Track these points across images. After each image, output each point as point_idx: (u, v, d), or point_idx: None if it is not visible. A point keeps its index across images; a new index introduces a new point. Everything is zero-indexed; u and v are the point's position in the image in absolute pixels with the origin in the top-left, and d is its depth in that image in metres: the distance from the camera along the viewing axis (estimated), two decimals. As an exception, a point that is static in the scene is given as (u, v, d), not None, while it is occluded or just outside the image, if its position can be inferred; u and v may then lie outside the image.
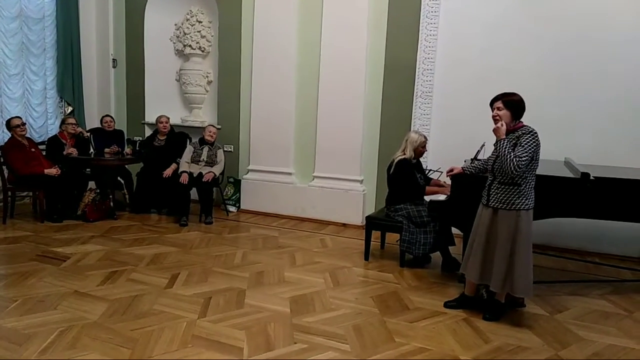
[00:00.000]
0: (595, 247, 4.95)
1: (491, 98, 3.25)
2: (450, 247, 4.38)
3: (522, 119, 3.20)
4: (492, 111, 3.22)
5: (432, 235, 4.24)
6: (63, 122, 5.87)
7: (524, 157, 3.03)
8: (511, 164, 3.02)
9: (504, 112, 3.15)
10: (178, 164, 5.79)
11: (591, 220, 3.80)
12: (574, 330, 3.22)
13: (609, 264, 4.58)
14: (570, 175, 3.74)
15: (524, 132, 3.11)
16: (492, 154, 3.32)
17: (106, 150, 5.89)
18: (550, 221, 3.85)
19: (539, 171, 3.52)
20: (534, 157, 3.09)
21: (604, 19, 4.76)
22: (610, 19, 4.74)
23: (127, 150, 6.01)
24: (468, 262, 3.37)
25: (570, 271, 4.47)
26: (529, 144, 3.06)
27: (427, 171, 4.68)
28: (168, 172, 5.71)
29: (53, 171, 5.32)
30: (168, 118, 6.13)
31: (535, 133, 3.10)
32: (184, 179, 5.50)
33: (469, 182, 3.61)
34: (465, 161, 3.95)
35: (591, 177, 3.53)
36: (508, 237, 3.14)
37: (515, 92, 3.21)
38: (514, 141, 3.11)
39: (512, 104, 3.15)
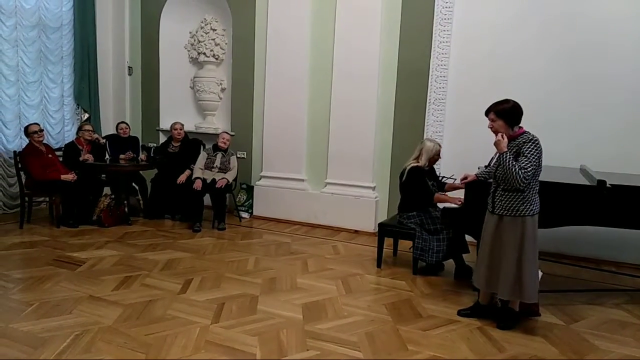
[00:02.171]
0: (611, 255, 4.88)
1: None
2: (464, 255, 4.35)
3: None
4: (489, 124, 3.20)
5: (445, 242, 4.22)
6: (80, 128, 5.96)
7: (530, 168, 3.01)
8: (517, 177, 2.99)
9: (499, 123, 3.14)
10: (192, 170, 5.83)
11: (607, 228, 3.75)
12: (590, 340, 3.18)
13: (626, 272, 4.51)
14: (587, 182, 3.69)
15: (524, 140, 3.08)
16: (494, 161, 3.30)
17: (121, 156, 5.96)
18: (566, 229, 3.82)
19: (554, 179, 3.50)
20: (538, 165, 3.07)
21: (617, 21, 4.72)
22: (624, 20, 4.70)
23: (142, 156, 6.08)
24: (478, 273, 3.36)
25: (586, 280, 4.40)
26: (532, 153, 3.03)
27: (440, 178, 4.65)
28: (182, 178, 5.76)
29: (69, 177, 5.40)
30: (182, 125, 6.19)
31: (537, 141, 3.08)
32: (198, 185, 5.54)
33: (483, 189, 3.58)
34: (478, 168, 3.93)
35: (607, 185, 3.49)
36: (515, 244, 3.13)
37: (509, 98, 3.17)
38: (515, 149, 3.10)
39: (504, 113, 3.12)
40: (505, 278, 3.16)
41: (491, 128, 3.19)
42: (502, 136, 3.11)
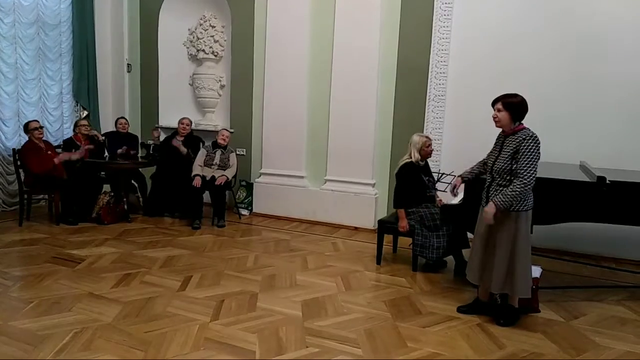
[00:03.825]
0: (612, 252, 4.87)
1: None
2: (463, 250, 4.35)
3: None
4: (494, 114, 3.20)
5: (445, 238, 4.21)
6: (76, 124, 5.94)
7: (532, 169, 3.01)
8: (525, 188, 3.00)
9: (503, 114, 3.14)
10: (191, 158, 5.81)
11: (607, 224, 3.74)
12: (590, 336, 3.17)
13: (626, 269, 4.51)
14: (586, 179, 3.69)
15: (524, 136, 3.07)
16: (490, 154, 3.30)
17: (118, 151, 5.94)
18: (566, 226, 3.81)
19: (554, 175, 3.49)
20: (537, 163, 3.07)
21: (619, 18, 4.70)
22: (626, 17, 4.69)
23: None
24: (472, 266, 3.36)
25: (586, 276, 4.40)
26: (532, 152, 3.02)
27: (440, 175, 4.63)
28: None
29: (65, 156, 5.42)
30: (190, 121, 6.16)
31: (537, 139, 3.06)
32: (197, 182, 5.53)
33: (483, 185, 3.57)
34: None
35: (607, 181, 3.48)
36: (508, 239, 3.12)
37: (518, 93, 3.18)
38: (514, 145, 3.08)
39: (511, 105, 3.12)
40: (497, 272, 3.16)
41: (495, 118, 3.18)
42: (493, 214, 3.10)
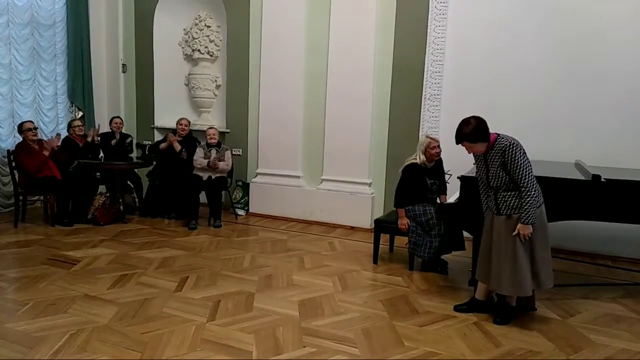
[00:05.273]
0: (607, 249, 4.90)
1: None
2: (460, 252, 4.38)
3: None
4: (468, 151, 3.16)
5: (437, 239, 4.19)
6: (69, 126, 5.91)
7: (528, 174, 2.99)
8: (533, 191, 3.00)
9: (477, 146, 3.08)
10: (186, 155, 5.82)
11: (603, 222, 3.76)
12: (586, 334, 3.19)
13: (621, 267, 4.53)
14: (582, 177, 3.70)
15: (502, 147, 3.02)
16: (478, 172, 3.29)
17: (112, 142, 5.97)
18: (562, 224, 3.82)
19: (549, 174, 3.50)
20: (530, 163, 3.05)
21: (614, 18, 4.72)
22: (620, 17, 4.70)
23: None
24: (480, 268, 3.33)
25: (582, 274, 4.42)
26: (518, 158, 2.99)
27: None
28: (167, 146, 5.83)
29: (54, 142, 5.47)
30: (189, 122, 6.14)
31: (516, 143, 3.03)
32: (214, 163, 5.61)
33: (478, 184, 3.57)
34: (474, 164, 3.91)
35: (602, 179, 3.49)
36: (516, 238, 3.10)
37: (466, 118, 3.09)
38: (498, 158, 3.05)
39: (476, 135, 3.04)
40: (505, 273, 3.12)
41: (473, 153, 3.18)
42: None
